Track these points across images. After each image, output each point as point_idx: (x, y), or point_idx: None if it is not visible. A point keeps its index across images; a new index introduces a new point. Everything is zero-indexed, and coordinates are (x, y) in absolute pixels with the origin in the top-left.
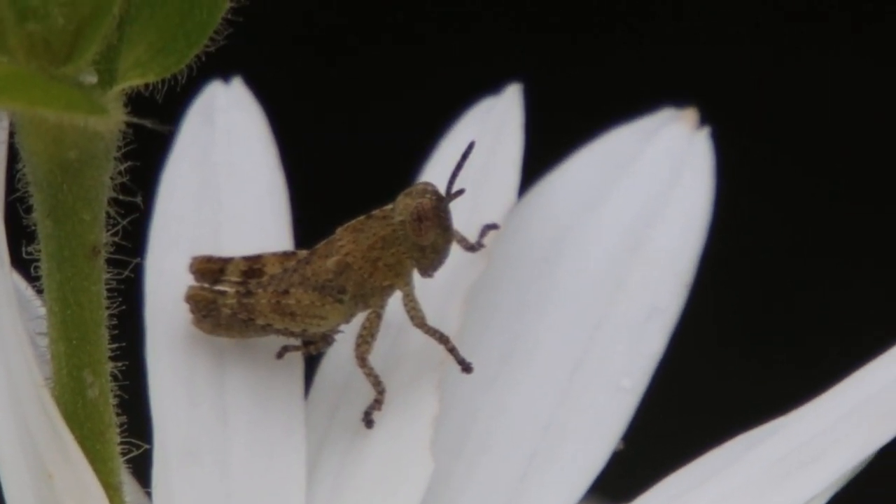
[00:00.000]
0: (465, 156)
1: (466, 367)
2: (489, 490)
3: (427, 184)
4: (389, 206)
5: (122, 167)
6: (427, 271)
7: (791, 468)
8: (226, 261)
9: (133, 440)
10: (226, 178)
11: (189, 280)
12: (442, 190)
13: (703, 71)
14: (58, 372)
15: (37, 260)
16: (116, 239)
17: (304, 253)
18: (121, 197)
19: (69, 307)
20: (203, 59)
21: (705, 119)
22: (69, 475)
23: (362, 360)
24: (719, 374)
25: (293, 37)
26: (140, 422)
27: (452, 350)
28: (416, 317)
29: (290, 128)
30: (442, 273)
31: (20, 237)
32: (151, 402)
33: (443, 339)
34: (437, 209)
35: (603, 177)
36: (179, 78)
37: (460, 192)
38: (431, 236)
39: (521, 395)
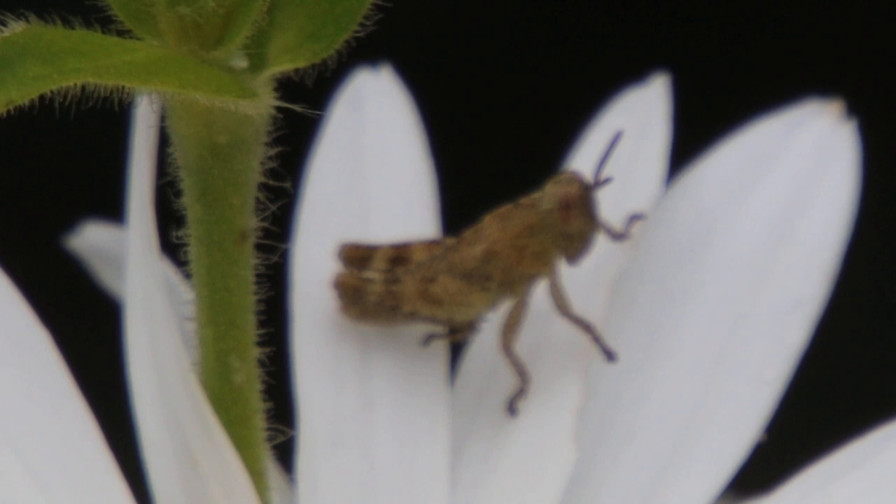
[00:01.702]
0: (612, 145)
1: (611, 356)
2: (632, 479)
3: (574, 172)
4: (536, 195)
5: (271, 152)
6: (573, 260)
7: None
8: (373, 248)
9: (278, 426)
10: (374, 166)
11: (336, 267)
12: (589, 178)
13: (851, 61)
14: (205, 357)
15: (185, 245)
16: (265, 224)
17: (450, 241)
18: (270, 182)
19: (217, 292)
20: (353, 44)
21: (852, 111)
22: (215, 460)
23: (507, 348)
24: (860, 366)
25: (442, 22)
26: (285, 408)
27: (597, 339)
28: (562, 305)
29: (439, 114)
30: (587, 262)
31: (169, 221)
32: (297, 389)
33: (588, 327)
34: (584, 197)
35: (748, 169)
36: (329, 63)
37: (607, 180)
38: (578, 224)
39: (664, 385)
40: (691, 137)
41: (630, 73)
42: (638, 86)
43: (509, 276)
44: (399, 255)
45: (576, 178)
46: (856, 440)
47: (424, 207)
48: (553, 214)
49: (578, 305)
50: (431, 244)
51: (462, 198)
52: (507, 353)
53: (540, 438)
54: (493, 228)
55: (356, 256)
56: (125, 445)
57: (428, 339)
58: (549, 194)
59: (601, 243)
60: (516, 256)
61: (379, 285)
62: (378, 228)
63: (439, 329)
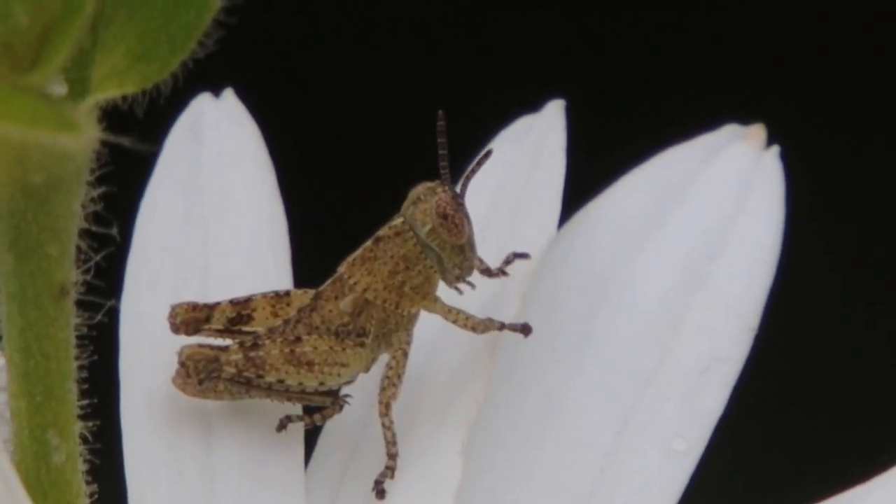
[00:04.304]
0: (479, 162)
1: (525, 329)
2: None
3: (429, 181)
4: (396, 221)
5: (95, 193)
6: (458, 279)
7: None
8: (211, 307)
9: None
10: (215, 207)
11: (169, 331)
12: (449, 182)
13: (769, 87)
14: (19, 433)
15: None
16: (88, 277)
17: (298, 293)
18: (94, 228)
19: (32, 357)
20: (190, 67)
21: (773, 137)
22: None
23: (386, 406)
24: (781, 439)
25: (292, 40)
26: (114, 491)
27: (504, 326)
28: (466, 319)
29: (290, 144)
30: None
31: None
32: (127, 470)
33: (497, 325)
34: (456, 200)
35: (656, 203)
36: (163, 89)
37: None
38: (467, 228)
39: (558, 460)
40: (593, 171)
41: (524, 102)
42: (530, 113)
43: (387, 325)
44: (240, 313)
45: (436, 186)
46: None
47: (275, 253)
48: (437, 232)
49: (459, 375)
50: (276, 297)
51: (316, 239)
52: (384, 412)
53: None
54: (359, 275)
55: (192, 319)
56: None
57: (284, 423)
58: (418, 213)
59: (486, 292)
60: (395, 298)
61: (237, 353)
62: (220, 280)
63: (295, 409)
